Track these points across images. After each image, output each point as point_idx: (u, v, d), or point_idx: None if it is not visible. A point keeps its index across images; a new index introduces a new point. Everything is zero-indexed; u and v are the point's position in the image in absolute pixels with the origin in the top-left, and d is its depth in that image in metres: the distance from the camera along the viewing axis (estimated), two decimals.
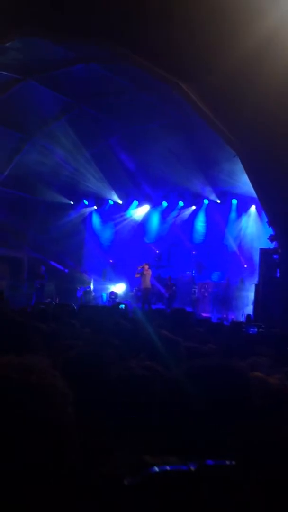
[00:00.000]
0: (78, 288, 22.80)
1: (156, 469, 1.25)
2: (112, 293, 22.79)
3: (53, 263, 23.68)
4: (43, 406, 1.21)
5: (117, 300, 21.78)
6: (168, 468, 1.26)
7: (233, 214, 22.36)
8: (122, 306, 13.13)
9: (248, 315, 15.77)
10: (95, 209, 25.61)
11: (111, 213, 25.30)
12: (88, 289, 22.90)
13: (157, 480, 1.24)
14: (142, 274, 20.70)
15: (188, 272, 22.46)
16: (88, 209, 25.60)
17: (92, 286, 23.25)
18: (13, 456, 1.14)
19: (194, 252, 22.71)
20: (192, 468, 1.24)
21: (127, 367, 2.46)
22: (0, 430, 1.14)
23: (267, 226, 15.00)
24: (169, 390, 1.68)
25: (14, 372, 1.23)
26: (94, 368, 2.56)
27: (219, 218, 22.54)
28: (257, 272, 16.15)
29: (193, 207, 23.38)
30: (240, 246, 21.78)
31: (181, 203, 23.67)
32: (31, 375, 1.24)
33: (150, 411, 2.04)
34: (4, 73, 16.89)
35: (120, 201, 24.76)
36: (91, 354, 2.88)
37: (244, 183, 16.33)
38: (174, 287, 21.30)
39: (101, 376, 2.53)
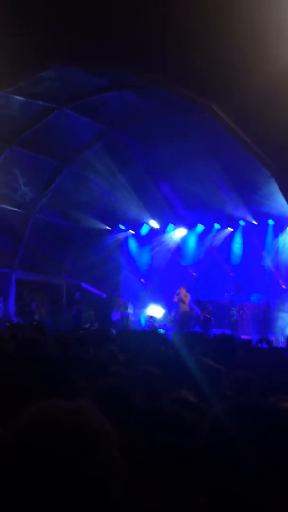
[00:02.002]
0: (114, 312, 22.78)
1: None
2: (150, 317, 22.70)
3: (91, 288, 23.79)
4: (91, 450, 1.20)
5: (156, 324, 21.68)
6: None
7: (270, 235, 22.15)
8: (162, 330, 13.05)
9: None
10: (132, 234, 25.70)
11: (148, 237, 25.35)
12: (126, 314, 22.87)
13: None
14: (180, 297, 20.62)
15: (226, 294, 22.26)
16: (125, 234, 25.70)
17: (130, 311, 23.22)
18: (59, 501, 1.13)
19: (231, 274, 22.53)
20: None
21: (157, 405, 2.40)
22: (48, 474, 1.13)
23: None
24: (210, 434, 1.58)
25: (62, 415, 1.23)
26: (121, 404, 2.50)
27: (256, 239, 22.34)
28: None
29: (229, 229, 23.27)
30: (278, 267, 21.54)
31: (217, 226, 23.57)
32: (80, 417, 1.24)
33: (176, 460, 1.97)
34: (39, 102, 17.21)
35: (156, 225, 24.79)
36: (118, 388, 2.82)
37: (281, 204, 16.17)
38: (208, 309, 21.04)
39: (129, 413, 2.47)
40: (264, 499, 1.37)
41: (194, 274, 23.38)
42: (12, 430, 1.22)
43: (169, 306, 22.74)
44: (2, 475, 1.14)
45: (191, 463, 1.88)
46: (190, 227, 24.24)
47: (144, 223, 24.90)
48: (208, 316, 20.97)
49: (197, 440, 1.84)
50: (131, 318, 23.01)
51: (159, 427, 2.15)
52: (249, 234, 22.67)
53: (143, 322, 23.04)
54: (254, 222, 22.34)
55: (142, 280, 24.31)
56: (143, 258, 25.48)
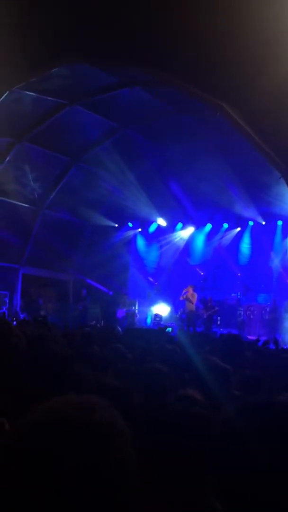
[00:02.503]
0: (118, 309, 22.79)
1: None
2: (156, 315, 22.70)
3: (98, 285, 23.79)
4: (107, 447, 1.17)
5: (162, 322, 21.68)
6: None
7: (278, 236, 22.10)
8: (169, 329, 13.04)
9: None
10: (140, 232, 25.68)
11: (156, 235, 25.32)
12: (131, 311, 22.87)
13: None
14: (186, 296, 20.62)
15: (233, 294, 22.24)
16: (133, 232, 25.69)
17: (136, 308, 23.22)
18: (71, 499, 1.10)
19: (239, 274, 22.49)
20: None
21: (162, 403, 2.36)
22: (63, 473, 1.11)
23: None
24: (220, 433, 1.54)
25: (74, 412, 1.20)
26: (124, 402, 2.47)
27: (265, 240, 22.29)
28: None
29: (238, 229, 23.22)
30: (286, 268, 21.48)
31: (225, 225, 23.53)
32: (93, 414, 1.21)
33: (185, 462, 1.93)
34: (51, 98, 17.20)
35: (164, 223, 24.76)
36: (120, 386, 2.79)
37: None
38: (215, 309, 21.02)
39: (132, 411, 2.43)
40: (279, 499, 1.35)
41: (201, 273, 23.35)
42: (23, 427, 1.20)
43: (176, 304, 22.73)
44: (14, 472, 1.11)
45: (199, 462, 1.86)
46: (199, 226, 24.21)
47: (152, 221, 24.87)
48: (211, 314, 20.91)
49: (204, 438, 1.81)
50: (137, 316, 22.99)
51: (164, 425, 2.13)
52: (257, 234, 22.62)
53: (149, 320, 23.04)
54: (262, 222, 22.28)
55: (151, 279, 24.27)
56: (151, 256, 25.47)
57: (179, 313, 22.21)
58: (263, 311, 20.61)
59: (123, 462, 1.19)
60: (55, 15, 10.67)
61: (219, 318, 21.57)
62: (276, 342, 11.38)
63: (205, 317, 20.95)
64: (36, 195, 21.40)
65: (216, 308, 21.04)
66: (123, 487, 1.17)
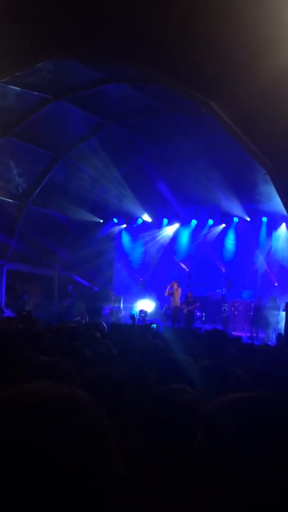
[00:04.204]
0: (105, 306, 22.79)
1: None
2: (141, 311, 22.69)
3: (83, 281, 23.75)
4: (94, 423, 1.15)
5: (147, 318, 21.68)
6: None
7: (263, 232, 22.19)
8: (154, 325, 13.03)
9: (279, 334, 15.57)
10: (125, 228, 25.66)
11: (141, 231, 25.31)
12: (116, 308, 22.88)
13: None
14: (171, 292, 20.65)
15: (218, 290, 22.29)
16: (118, 228, 25.66)
17: (121, 305, 23.23)
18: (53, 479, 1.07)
19: (223, 270, 22.55)
20: None
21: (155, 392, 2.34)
22: (44, 448, 1.08)
23: None
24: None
25: (55, 391, 1.17)
26: (114, 393, 2.44)
27: (249, 236, 22.38)
28: None
29: (223, 225, 23.28)
30: (270, 264, 21.59)
31: (210, 221, 23.57)
32: (73, 393, 1.19)
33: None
34: (35, 93, 17.11)
35: (149, 219, 24.77)
36: (110, 377, 2.78)
37: (276, 202, 16.19)
38: (195, 304, 21.04)
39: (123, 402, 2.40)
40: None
41: (186, 269, 23.38)
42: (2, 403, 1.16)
43: (161, 300, 22.75)
44: None
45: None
46: (184, 222, 24.24)
47: (138, 217, 24.87)
48: (192, 310, 20.93)
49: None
50: (122, 312, 22.99)
51: (160, 415, 2.09)
52: (242, 230, 22.70)
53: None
54: (247, 218, 22.36)
55: (142, 280, 24.21)
56: (136, 252, 25.46)
57: (164, 309, 22.24)
58: (248, 307, 20.68)
59: (108, 440, 1.16)
60: (42, 8, 10.61)
61: (203, 314, 21.62)
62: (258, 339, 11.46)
63: (185, 312, 20.94)
64: (20, 191, 21.30)
65: (197, 303, 21.10)
66: (106, 463, 1.14)
